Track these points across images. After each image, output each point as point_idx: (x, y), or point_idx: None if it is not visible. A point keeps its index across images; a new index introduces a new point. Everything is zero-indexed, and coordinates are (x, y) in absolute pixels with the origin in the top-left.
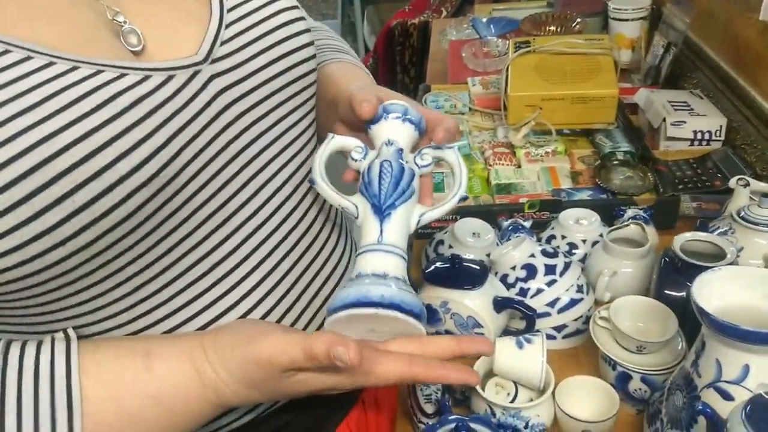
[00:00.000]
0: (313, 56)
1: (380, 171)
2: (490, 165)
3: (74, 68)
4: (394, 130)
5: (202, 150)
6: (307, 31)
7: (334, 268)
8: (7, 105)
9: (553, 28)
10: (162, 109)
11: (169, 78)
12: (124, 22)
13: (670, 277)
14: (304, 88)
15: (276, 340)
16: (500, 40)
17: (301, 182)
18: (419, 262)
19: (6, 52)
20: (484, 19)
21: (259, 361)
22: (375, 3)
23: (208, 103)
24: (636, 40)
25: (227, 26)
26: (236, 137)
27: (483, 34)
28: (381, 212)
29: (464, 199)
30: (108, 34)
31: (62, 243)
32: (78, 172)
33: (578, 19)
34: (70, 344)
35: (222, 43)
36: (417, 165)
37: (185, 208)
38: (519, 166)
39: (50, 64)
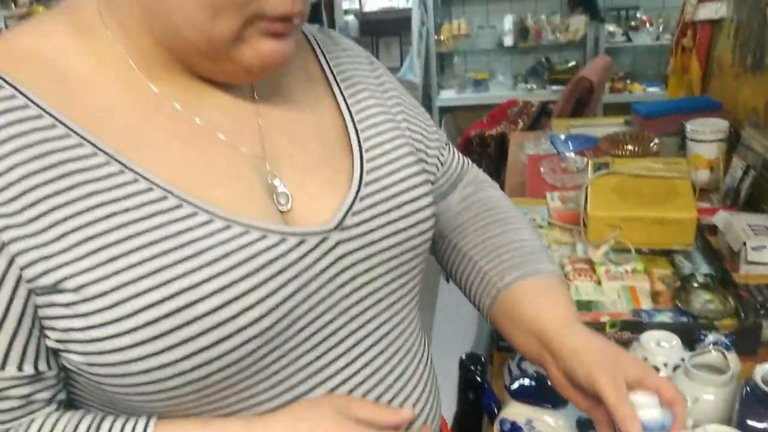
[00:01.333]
0: (431, 228)
1: None
2: (570, 280)
3: (228, 227)
4: None
5: (315, 306)
6: (431, 206)
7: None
8: (171, 253)
9: (630, 147)
10: (290, 269)
11: (301, 242)
12: (280, 186)
13: (753, 408)
14: (417, 256)
15: (355, 401)
16: (578, 156)
17: (396, 338)
18: (501, 376)
19: (179, 206)
20: (563, 136)
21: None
22: (452, 111)
23: (330, 265)
24: (714, 161)
25: (362, 198)
26: (347, 295)
27: (561, 150)
28: None
29: None
30: (264, 197)
31: (181, 374)
32: (209, 319)
33: (656, 140)
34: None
35: (354, 214)
36: None
37: (295, 352)
38: (599, 283)
39: (209, 221)
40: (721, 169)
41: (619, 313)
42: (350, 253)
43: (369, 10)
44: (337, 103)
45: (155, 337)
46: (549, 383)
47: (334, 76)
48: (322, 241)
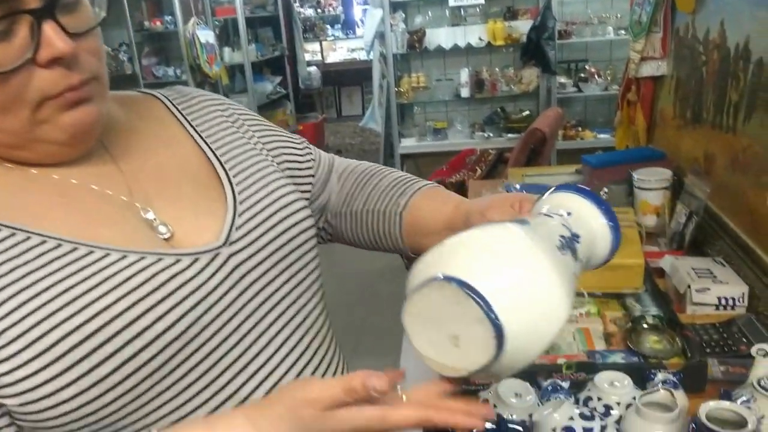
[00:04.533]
0: (312, 227)
1: None
2: None
3: (124, 256)
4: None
5: (222, 312)
6: (305, 207)
7: None
8: (79, 285)
9: None
10: (191, 282)
11: (196, 260)
12: (155, 218)
13: None
14: (306, 253)
15: (317, 382)
16: None
17: (307, 331)
18: None
19: (74, 249)
20: (518, 186)
21: (307, 400)
22: (414, 158)
23: (227, 276)
24: (660, 207)
25: (240, 214)
26: (251, 299)
27: None
28: None
29: None
30: (146, 230)
31: (113, 388)
32: (127, 332)
33: (605, 189)
34: None
35: (237, 229)
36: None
37: (210, 358)
38: None
39: (107, 255)
40: (666, 215)
41: (575, 355)
42: (243, 263)
43: (331, 61)
44: (197, 143)
45: (81, 359)
46: (510, 427)
47: (189, 122)
48: (215, 257)
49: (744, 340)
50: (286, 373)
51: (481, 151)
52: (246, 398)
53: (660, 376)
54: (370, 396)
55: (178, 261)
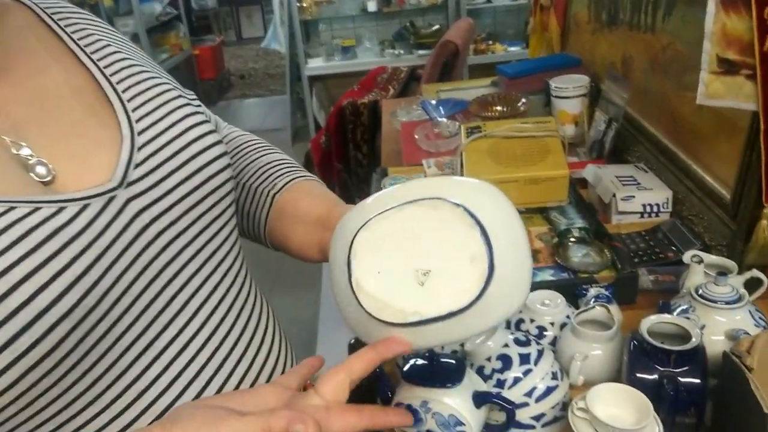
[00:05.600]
0: (228, 166)
1: None
2: None
3: None
4: None
5: (122, 274)
6: (219, 142)
7: (272, 372)
8: None
9: (500, 108)
10: (79, 238)
11: (84, 207)
12: (31, 155)
13: (641, 361)
14: (222, 198)
15: (234, 423)
16: (450, 121)
17: (229, 290)
18: (392, 360)
19: None
20: (434, 101)
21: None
22: (322, 80)
23: (126, 227)
24: (578, 116)
25: (140, 148)
26: (156, 256)
27: (433, 115)
28: None
29: None
30: (17, 170)
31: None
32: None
33: (523, 99)
34: None
35: (136, 166)
36: None
37: (110, 335)
38: None
39: None
40: (585, 123)
41: None
42: (146, 208)
43: None
44: (80, 60)
45: None
46: (443, 361)
47: (66, 33)
48: (109, 202)
49: (672, 247)
50: (204, 345)
51: (392, 68)
52: (152, 384)
53: (592, 291)
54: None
55: (60, 210)
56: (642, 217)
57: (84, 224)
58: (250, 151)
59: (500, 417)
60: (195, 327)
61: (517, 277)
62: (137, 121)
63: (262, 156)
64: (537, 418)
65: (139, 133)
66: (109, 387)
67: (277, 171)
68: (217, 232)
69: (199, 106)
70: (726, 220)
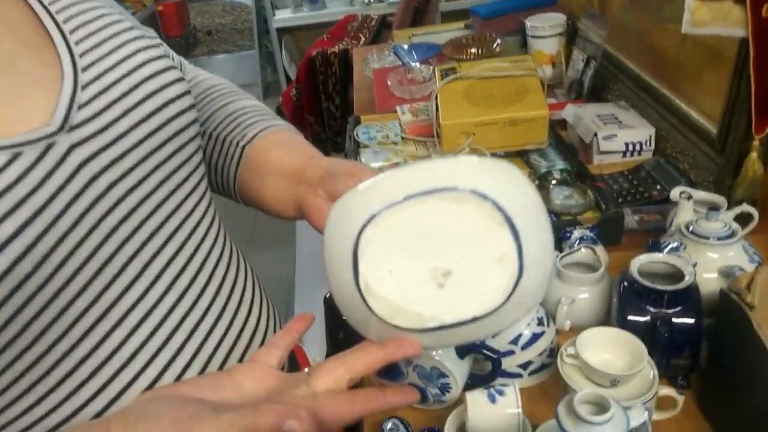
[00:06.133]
0: (191, 107)
1: None
2: None
3: None
4: None
5: (66, 234)
6: (180, 80)
7: (252, 337)
8: None
9: (474, 50)
10: (11, 192)
11: (16, 156)
12: None
13: (632, 303)
14: (185, 144)
15: (210, 425)
16: (424, 66)
17: (199, 246)
18: None
19: None
20: (406, 46)
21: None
22: (291, 32)
23: (70, 178)
24: (555, 56)
25: (84, 87)
26: (108, 212)
27: (406, 60)
28: None
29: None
30: None
31: None
32: None
33: (498, 40)
34: None
35: (80, 107)
36: None
37: (56, 303)
38: None
39: None
40: (563, 63)
41: None
42: (93, 157)
43: None
44: None
45: None
46: None
47: None
48: (48, 149)
49: (656, 186)
50: (170, 312)
51: (362, 17)
52: (112, 355)
53: (576, 233)
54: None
55: None
56: (624, 156)
57: (15, 176)
58: (217, 97)
59: (486, 366)
60: (160, 290)
61: (544, 275)
62: (81, 55)
63: (231, 102)
64: (524, 366)
65: (84, 70)
66: (58, 363)
67: (247, 119)
68: (181, 182)
69: (161, 44)
70: (712, 156)
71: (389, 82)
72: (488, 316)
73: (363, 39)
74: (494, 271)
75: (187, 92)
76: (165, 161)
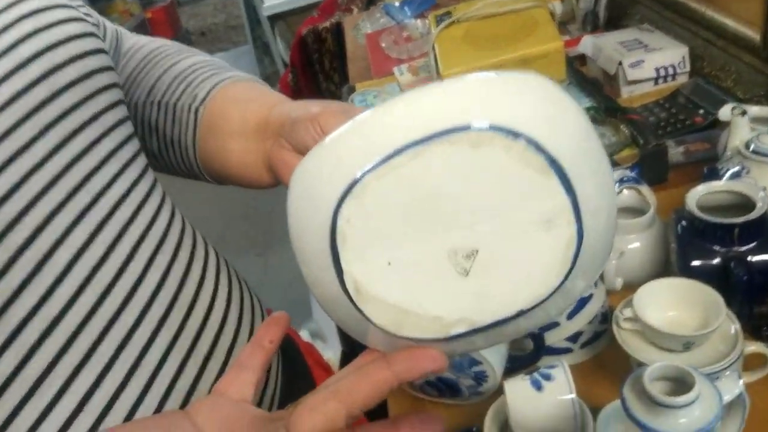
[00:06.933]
0: (98, 51)
1: None
2: None
3: None
4: None
5: None
6: (79, 20)
7: (220, 331)
8: None
9: None
10: None
11: None
12: None
13: (695, 245)
14: (90, 96)
15: None
16: (419, 20)
17: (144, 235)
18: None
19: None
20: (397, 3)
21: None
22: (283, 18)
23: None
24: None
25: None
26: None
27: (399, 18)
28: None
29: None
30: None
31: None
32: None
33: None
34: None
35: None
36: None
37: None
38: None
39: None
40: None
41: None
42: None
43: None
44: None
45: None
46: None
47: None
48: None
49: (698, 110)
50: (114, 318)
51: None
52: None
53: (615, 174)
54: None
55: None
56: (656, 83)
57: None
58: (161, 60)
59: (526, 345)
60: (97, 291)
61: (609, 230)
62: None
63: (177, 63)
64: (573, 338)
65: None
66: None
67: (196, 78)
68: (91, 145)
69: (81, 6)
70: (758, 66)
71: (383, 44)
72: (542, 304)
73: (356, 10)
74: (541, 241)
75: (90, 35)
76: (58, 119)
